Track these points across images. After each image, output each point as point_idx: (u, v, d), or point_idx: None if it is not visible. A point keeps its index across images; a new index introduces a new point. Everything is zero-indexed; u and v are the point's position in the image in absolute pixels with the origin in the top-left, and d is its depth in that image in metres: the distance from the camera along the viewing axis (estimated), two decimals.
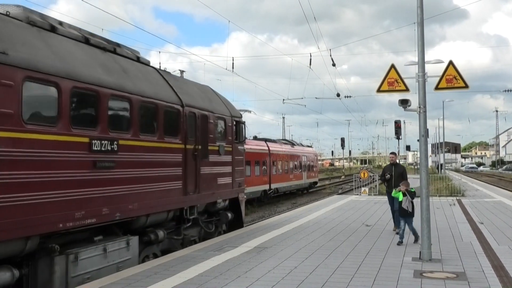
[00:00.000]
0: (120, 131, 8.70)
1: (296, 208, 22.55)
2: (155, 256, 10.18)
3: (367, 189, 28.23)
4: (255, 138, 35.06)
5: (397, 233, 11.64)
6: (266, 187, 31.56)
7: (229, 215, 13.56)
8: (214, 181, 12.24)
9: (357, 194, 27.67)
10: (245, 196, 14.92)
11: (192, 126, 11.21)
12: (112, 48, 9.64)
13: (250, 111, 34.50)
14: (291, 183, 37.11)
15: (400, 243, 10.87)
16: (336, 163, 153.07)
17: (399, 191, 11.14)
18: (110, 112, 8.50)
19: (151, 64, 11.31)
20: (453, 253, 9.86)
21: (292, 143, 42.22)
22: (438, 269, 8.41)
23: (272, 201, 32.20)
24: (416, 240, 10.95)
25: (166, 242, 10.66)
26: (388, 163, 14.35)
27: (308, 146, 52.42)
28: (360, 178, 29.88)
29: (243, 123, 14.59)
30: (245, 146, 29.75)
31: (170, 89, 10.79)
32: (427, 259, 9.07)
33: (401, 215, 11.12)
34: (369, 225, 14.27)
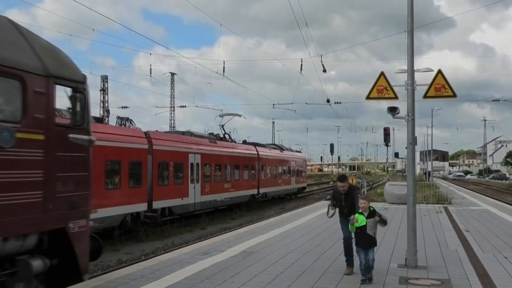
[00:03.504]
0: None
1: (284, 213, 22.56)
2: None
3: None
4: (244, 142, 35.06)
5: (347, 274, 8.50)
6: (255, 191, 31.55)
7: (37, 263, 7.09)
8: None
9: None
10: (91, 224, 8.14)
11: None
12: None
13: (240, 115, 34.59)
14: (279, 188, 37.13)
15: (369, 279, 7.92)
16: (325, 169, 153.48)
17: (360, 214, 7.92)
18: None
19: None
20: (439, 260, 9.93)
21: (281, 148, 42.28)
22: (424, 276, 8.45)
23: (260, 205, 32.19)
24: (367, 276, 7.93)
25: None
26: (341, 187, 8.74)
27: (297, 151, 52.48)
28: None
29: (83, 91, 7.76)
30: (234, 150, 30.22)
31: None
32: (413, 266, 9.12)
33: (363, 245, 7.93)
34: None
